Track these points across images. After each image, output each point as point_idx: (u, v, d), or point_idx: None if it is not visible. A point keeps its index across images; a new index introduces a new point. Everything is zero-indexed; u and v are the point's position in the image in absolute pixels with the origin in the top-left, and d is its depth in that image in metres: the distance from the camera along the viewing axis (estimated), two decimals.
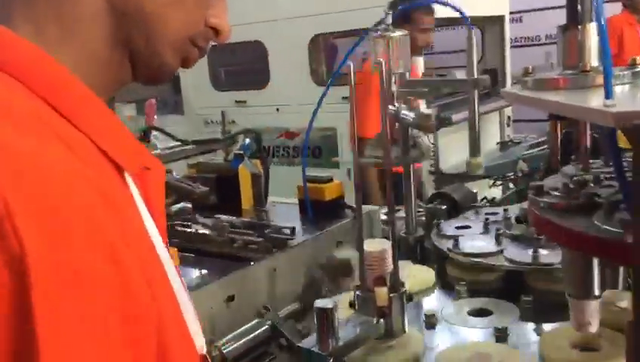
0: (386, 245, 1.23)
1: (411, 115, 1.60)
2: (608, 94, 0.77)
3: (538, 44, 7.23)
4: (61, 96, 0.60)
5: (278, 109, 5.01)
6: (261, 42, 5.03)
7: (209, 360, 0.77)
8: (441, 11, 3.42)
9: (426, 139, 1.72)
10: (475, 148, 1.47)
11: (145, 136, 1.79)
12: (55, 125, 0.57)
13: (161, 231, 0.70)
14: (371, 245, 1.24)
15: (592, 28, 1.07)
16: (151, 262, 0.62)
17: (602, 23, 0.84)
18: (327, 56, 5.28)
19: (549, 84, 1.11)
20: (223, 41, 0.75)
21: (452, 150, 4.50)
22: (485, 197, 2.43)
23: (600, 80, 0.93)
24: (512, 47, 5.93)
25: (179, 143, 1.86)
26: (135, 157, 0.68)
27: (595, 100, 0.80)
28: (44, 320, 0.47)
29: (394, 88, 1.63)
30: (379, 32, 1.66)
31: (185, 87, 5.51)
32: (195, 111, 5.43)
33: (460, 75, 5.19)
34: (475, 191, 2.11)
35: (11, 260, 0.46)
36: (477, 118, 1.47)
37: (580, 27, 1.06)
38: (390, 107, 1.59)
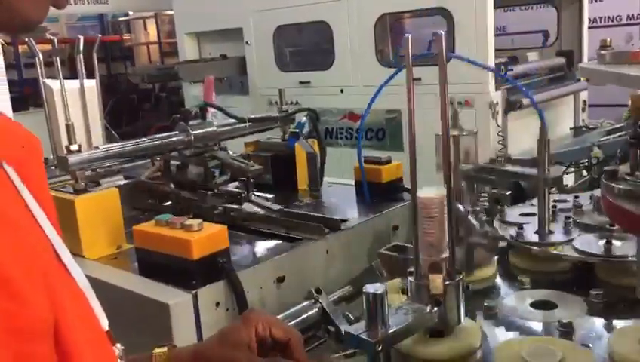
0: (442, 191, 1.14)
1: None
2: None
3: (619, 25, 6.82)
4: None
5: (342, 90, 4.94)
6: (326, 22, 4.96)
7: (111, 334, 0.75)
8: None
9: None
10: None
11: (201, 113, 1.77)
12: None
13: (48, 211, 0.68)
14: (428, 192, 1.15)
15: None
16: (47, 260, 0.62)
17: None
18: (394, 36, 5.16)
19: (629, 58, 1.01)
20: None
21: (522, 135, 4.32)
22: None
23: None
24: (590, 27, 5.60)
25: (235, 121, 1.83)
26: (9, 141, 0.66)
27: None
28: None
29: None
30: None
31: (250, 67, 5.52)
32: (260, 91, 5.44)
33: (532, 56, 4.97)
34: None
35: None
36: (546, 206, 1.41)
37: None
38: None
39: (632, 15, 6.73)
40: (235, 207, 1.70)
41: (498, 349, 1.16)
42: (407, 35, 1.15)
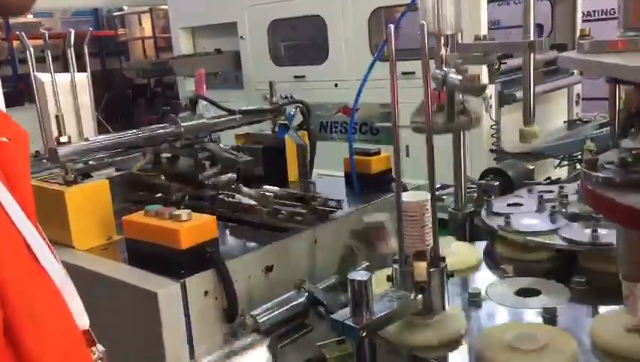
0: (426, 196, 1.16)
1: (458, 77, 1.51)
2: None
3: (613, 18, 6.83)
4: None
5: (336, 85, 4.95)
6: (321, 17, 4.97)
7: (91, 334, 0.75)
8: None
9: (474, 104, 1.62)
10: (528, 115, 1.38)
11: (191, 105, 1.79)
12: None
13: (27, 205, 0.68)
14: (410, 196, 1.17)
15: None
16: (10, 253, 0.60)
17: None
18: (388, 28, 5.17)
19: (607, 47, 1.02)
20: None
21: (516, 128, 4.33)
22: (549, 178, 2.31)
23: None
24: (584, 21, 5.62)
25: (226, 113, 1.84)
26: None
27: None
28: None
29: (442, 52, 1.55)
30: None
31: (245, 62, 5.52)
32: (254, 86, 5.44)
33: None
34: (531, 168, 2.00)
35: None
36: (531, 84, 1.38)
37: None
38: (437, 71, 1.51)
39: None
40: (226, 199, 1.72)
41: (483, 335, 1.18)
42: (390, 25, 1.17)
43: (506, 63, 4.41)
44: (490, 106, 4.16)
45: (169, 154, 1.86)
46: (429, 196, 1.17)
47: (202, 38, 6.04)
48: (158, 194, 1.86)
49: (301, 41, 5.71)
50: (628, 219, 0.92)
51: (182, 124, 1.72)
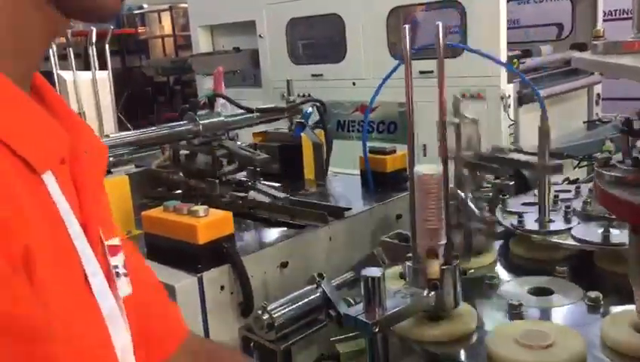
0: (439, 168, 1.17)
1: None
2: None
3: None
4: None
5: (354, 83, 4.96)
6: (339, 15, 4.98)
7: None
8: None
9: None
10: None
11: (210, 103, 1.82)
12: None
13: (94, 217, 0.68)
14: (425, 169, 1.18)
15: None
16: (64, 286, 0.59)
17: None
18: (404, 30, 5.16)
19: (621, 48, 1.03)
20: None
21: (535, 128, 4.31)
22: (567, 178, 2.31)
23: None
24: (605, 20, 5.57)
25: (243, 111, 1.87)
26: (53, 150, 0.64)
27: None
28: None
29: None
30: None
31: (263, 60, 5.56)
32: (272, 84, 5.48)
33: (546, 49, 4.93)
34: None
35: None
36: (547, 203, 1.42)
37: None
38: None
39: None
40: (242, 195, 1.75)
41: (492, 332, 1.19)
42: (405, 26, 1.18)
43: (524, 63, 4.41)
44: (509, 106, 4.16)
45: (187, 151, 1.89)
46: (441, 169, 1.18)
47: (221, 36, 6.08)
48: (177, 191, 1.89)
49: (319, 40, 5.73)
50: (636, 216, 0.93)
51: (200, 122, 1.75)
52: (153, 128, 1.74)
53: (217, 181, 1.77)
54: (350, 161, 2.09)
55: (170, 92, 10.84)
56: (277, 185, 1.82)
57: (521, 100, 4.26)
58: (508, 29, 4.22)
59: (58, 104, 0.72)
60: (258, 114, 1.89)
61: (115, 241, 0.73)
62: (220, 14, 5.71)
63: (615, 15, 6.72)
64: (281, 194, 1.69)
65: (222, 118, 1.81)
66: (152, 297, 0.91)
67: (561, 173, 1.55)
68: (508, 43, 4.16)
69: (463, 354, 1.19)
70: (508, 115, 4.19)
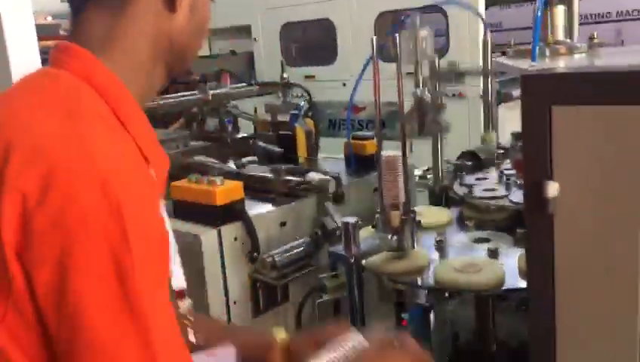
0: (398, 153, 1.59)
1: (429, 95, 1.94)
2: (533, 58, 1.11)
3: (608, 21, 7.17)
4: (121, 107, 0.84)
5: (344, 84, 5.28)
6: (330, 20, 5.32)
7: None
8: None
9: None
10: None
11: (216, 78, 2.31)
12: (116, 128, 0.82)
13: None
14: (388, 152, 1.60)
15: (559, 11, 1.38)
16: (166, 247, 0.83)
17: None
18: (393, 32, 5.51)
19: (523, 53, 1.43)
20: None
21: (513, 123, 4.66)
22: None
23: (563, 50, 1.26)
24: (580, 24, 5.94)
25: (244, 84, 2.36)
26: (162, 160, 0.91)
27: (526, 64, 1.13)
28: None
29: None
30: None
31: (258, 62, 5.89)
32: None
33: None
34: (501, 152, 2.41)
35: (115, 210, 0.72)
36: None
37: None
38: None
39: (621, 11, 7.05)
40: (251, 173, 2.14)
41: (438, 265, 1.59)
42: (395, 34, 1.57)
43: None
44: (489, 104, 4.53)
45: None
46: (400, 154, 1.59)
47: (218, 40, 6.41)
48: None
49: (311, 43, 6.07)
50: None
51: (210, 92, 2.20)
52: (170, 96, 2.20)
53: (224, 142, 2.21)
54: (340, 154, 2.49)
55: (168, 94, 11.17)
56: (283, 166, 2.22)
57: (499, 99, 4.61)
58: (491, 32, 4.59)
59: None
60: (257, 87, 2.36)
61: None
62: (217, 19, 6.04)
63: (590, 19, 7.11)
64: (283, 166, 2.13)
65: (228, 89, 2.27)
66: None
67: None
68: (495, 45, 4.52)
69: (419, 280, 1.60)
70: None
